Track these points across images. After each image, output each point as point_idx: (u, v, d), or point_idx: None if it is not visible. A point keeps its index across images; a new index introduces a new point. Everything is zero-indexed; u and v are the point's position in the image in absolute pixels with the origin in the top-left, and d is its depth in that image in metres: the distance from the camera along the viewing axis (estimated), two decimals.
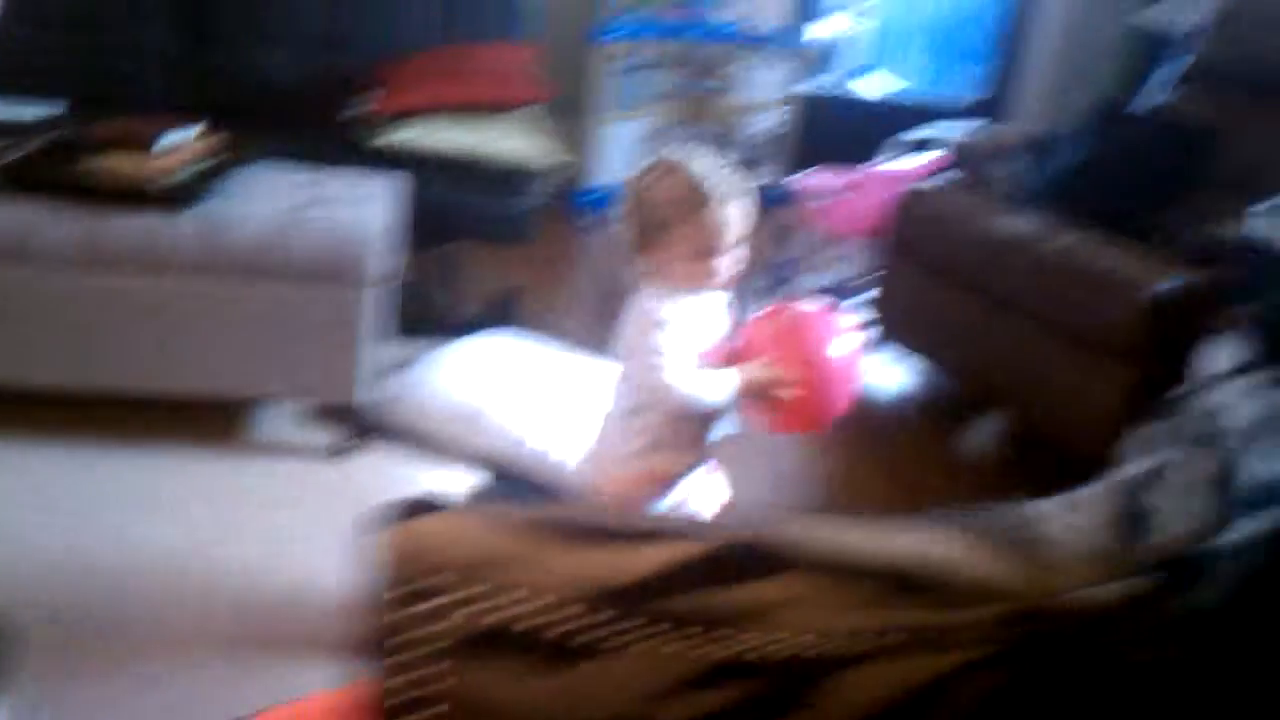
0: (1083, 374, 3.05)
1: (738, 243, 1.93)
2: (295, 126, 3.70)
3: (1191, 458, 0.93)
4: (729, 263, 1.93)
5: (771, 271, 4.46)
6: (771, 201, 5.28)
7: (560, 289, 4.30)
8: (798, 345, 2.00)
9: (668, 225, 1.91)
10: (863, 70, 7.44)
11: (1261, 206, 3.04)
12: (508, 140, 3.55)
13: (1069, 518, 0.90)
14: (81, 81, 3.66)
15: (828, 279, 4.36)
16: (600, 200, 5.05)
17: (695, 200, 1.89)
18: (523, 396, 3.05)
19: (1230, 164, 3.40)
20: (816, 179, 4.43)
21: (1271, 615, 0.91)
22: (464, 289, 3.86)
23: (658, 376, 1.92)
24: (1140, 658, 0.86)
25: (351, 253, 2.76)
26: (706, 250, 1.91)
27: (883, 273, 3.79)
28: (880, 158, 4.34)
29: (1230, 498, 0.90)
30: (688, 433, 2.04)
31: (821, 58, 6.77)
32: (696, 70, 5.23)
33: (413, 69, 3.69)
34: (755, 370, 1.98)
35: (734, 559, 0.86)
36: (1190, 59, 3.83)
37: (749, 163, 5.21)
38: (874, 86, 7.45)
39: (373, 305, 2.83)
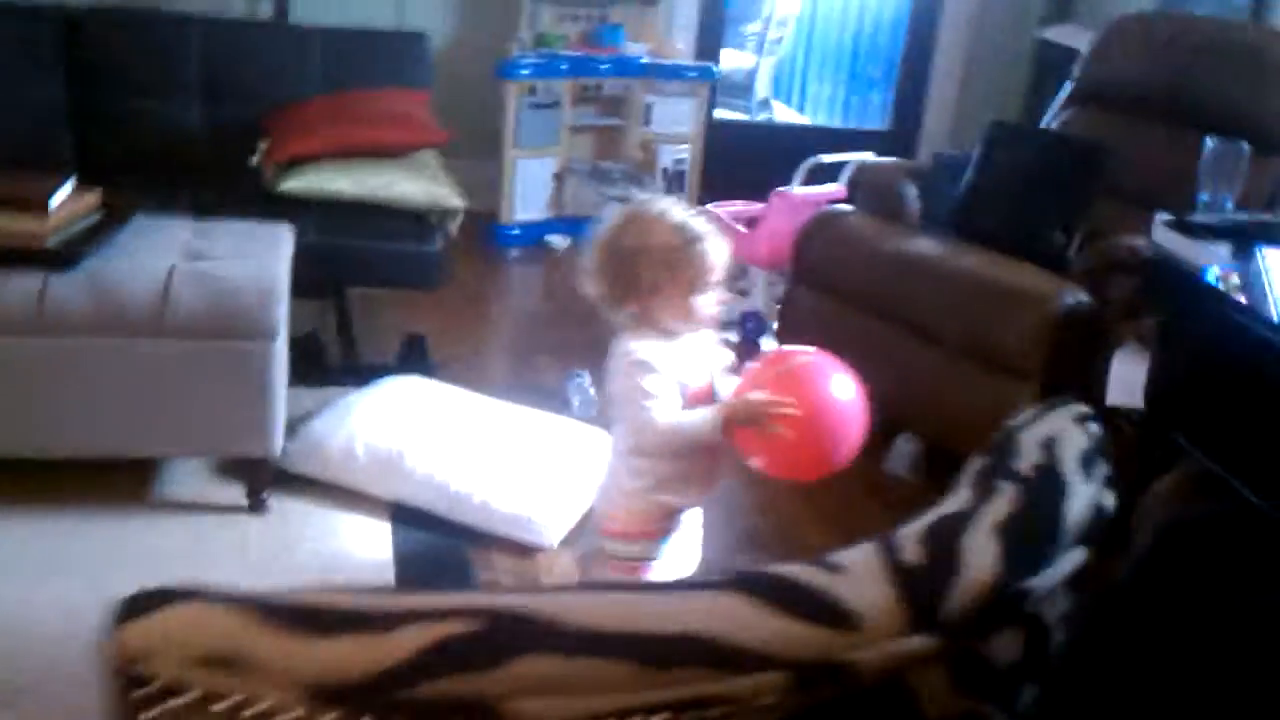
0: (990, 392, 3.07)
1: (720, 280, 2.01)
2: (195, 177, 3.66)
3: (1011, 494, 0.91)
4: (715, 300, 2.02)
5: None
6: None
7: (476, 331, 4.26)
8: (799, 391, 1.99)
9: (656, 271, 1.97)
10: (770, 100, 7.51)
11: (1161, 218, 3.08)
12: (406, 184, 3.52)
13: (867, 567, 0.87)
14: None
15: (741, 307, 4.36)
16: (516, 237, 5.03)
17: (683, 243, 1.98)
18: (441, 440, 3.02)
19: (1125, 179, 3.45)
20: (727, 208, 4.44)
21: (1085, 663, 0.89)
22: (370, 336, 3.82)
23: (648, 418, 1.98)
24: (940, 712, 0.83)
25: (248, 303, 2.71)
26: (698, 289, 1.99)
27: (787, 299, 3.80)
28: (788, 186, 4.36)
29: (1049, 537, 0.88)
30: (690, 470, 2.08)
31: (729, 89, 6.81)
32: (605, 104, 5.24)
33: (306, 116, 3.67)
34: (747, 399, 2.00)
35: (475, 643, 0.82)
36: (1078, 80, 3.90)
37: (664, 194, 5.22)
38: (782, 116, 7.52)
39: (276, 356, 2.79)
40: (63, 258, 2.68)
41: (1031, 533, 0.87)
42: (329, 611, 0.84)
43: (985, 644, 0.82)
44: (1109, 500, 0.96)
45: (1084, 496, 0.94)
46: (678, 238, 1.98)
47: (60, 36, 3.82)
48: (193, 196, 3.39)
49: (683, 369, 2.03)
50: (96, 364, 2.69)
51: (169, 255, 2.81)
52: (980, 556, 0.85)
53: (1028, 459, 0.96)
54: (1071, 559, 0.89)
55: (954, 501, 0.94)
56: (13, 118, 3.70)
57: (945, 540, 0.87)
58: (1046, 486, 0.93)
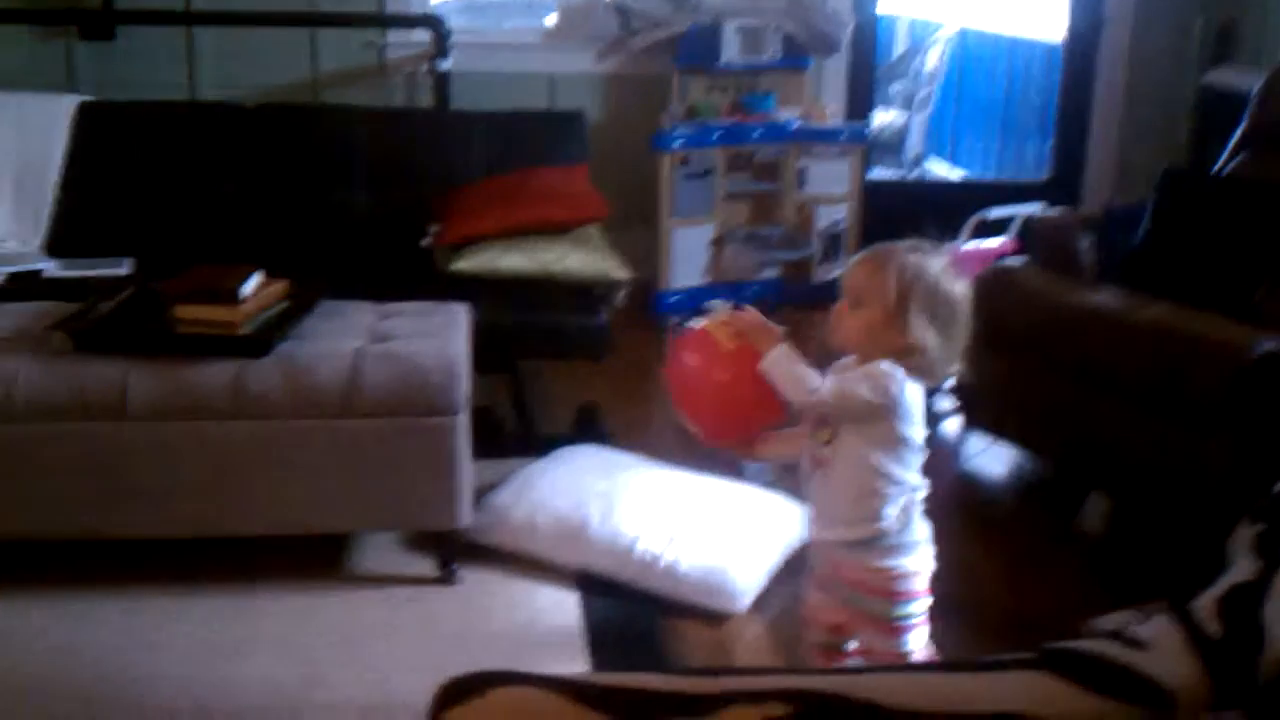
0: (1182, 447, 2.97)
1: None
2: (369, 262, 3.77)
3: None
4: None
5: None
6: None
7: (644, 399, 4.28)
8: None
9: None
10: (928, 156, 7.45)
11: None
12: (572, 258, 3.56)
13: (1170, 642, 0.83)
14: (147, 236, 3.79)
15: None
16: (675, 304, 5.05)
17: None
18: (623, 508, 3.03)
19: None
20: None
21: None
22: (542, 407, 3.86)
23: None
24: None
25: (433, 381, 2.77)
26: None
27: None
28: (955, 241, 4.31)
29: None
30: None
31: (880, 147, 6.78)
32: (759, 170, 5.26)
33: (473, 197, 3.74)
34: None
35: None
36: (1249, 123, 3.77)
37: (822, 256, 5.20)
38: (941, 171, 7.45)
39: (461, 430, 2.84)
40: (257, 344, 2.78)
41: None
42: (648, 695, 0.83)
43: None
44: None
45: None
46: None
47: (232, 132, 4.00)
48: (368, 281, 3.48)
49: None
50: (291, 444, 2.78)
51: (355, 338, 2.89)
52: None
53: None
54: None
55: (1240, 570, 0.90)
56: (196, 211, 3.88)
57: (1244, 611, 0.84)
58: None
